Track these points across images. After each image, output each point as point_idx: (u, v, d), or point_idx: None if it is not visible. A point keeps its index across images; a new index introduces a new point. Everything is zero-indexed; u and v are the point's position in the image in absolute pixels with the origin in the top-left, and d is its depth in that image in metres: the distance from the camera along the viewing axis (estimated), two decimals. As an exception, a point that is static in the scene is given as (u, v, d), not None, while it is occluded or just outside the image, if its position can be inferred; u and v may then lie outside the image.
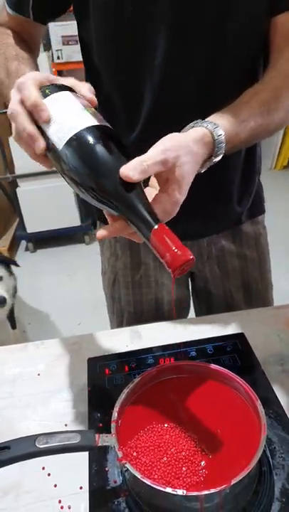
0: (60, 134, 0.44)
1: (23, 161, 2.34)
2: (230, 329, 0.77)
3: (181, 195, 0.45)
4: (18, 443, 0.46)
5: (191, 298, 0.96)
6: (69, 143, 0.43)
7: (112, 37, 0.63)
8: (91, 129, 0.43)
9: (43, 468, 0.55)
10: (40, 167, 0.50)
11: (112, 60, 0.66)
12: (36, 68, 0.64)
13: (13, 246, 2.82)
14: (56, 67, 2.51)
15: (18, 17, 0.66)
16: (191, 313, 0.99)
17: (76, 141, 0.43)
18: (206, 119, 0.52)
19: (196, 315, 0.97)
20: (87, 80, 0.75)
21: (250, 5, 0.60)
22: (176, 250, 0.39)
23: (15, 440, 0.47)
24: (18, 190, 2.52)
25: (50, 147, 0.45)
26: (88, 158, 0.42)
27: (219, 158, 0.52)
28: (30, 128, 0.45)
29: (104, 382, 0.66)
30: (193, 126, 0.51)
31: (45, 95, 0.46)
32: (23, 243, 2.87)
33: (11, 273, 1.59)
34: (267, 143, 3.40)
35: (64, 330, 2.07)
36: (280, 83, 0.59)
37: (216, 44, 0.61)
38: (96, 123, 0.44)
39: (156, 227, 0.40)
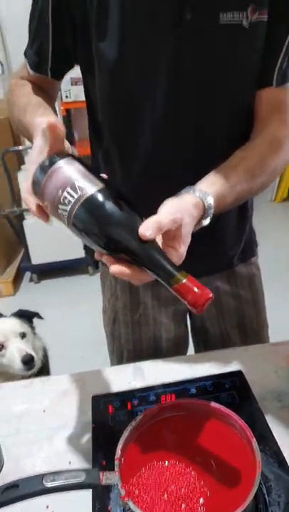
0: (69, 202, 0.49)
1: (29, 196, 2.44)
2: (229, 366, 0.79)
3: (185, 250, 0.51)
4: (27, 481, 0.49)
5: (190, 335, 0.99)
6: (82, 207, 0.48)
7: (114, 99, 0.69)
8: (98, 193, 0.48)
9: (47, 506, 0.56)
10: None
11: (113, 119, 0.72)
12: (50, 106, 0.70)
13: (18, 277, 2.87)
14: (64, 106, 2.72)
15: (37, 75, 0.75)
16: (190, 350, 1.01)
17: (89, 206, 0.48)
18: (198, 187, 0.58)
19: (195, 352, 1.00)
20: (90, 132, 0.82)
21: (240, 75, 0.67)
22: (196, 291, 0.44)
23: (23, 479, 0.49)
24: (24, 222, 2.60)
25: (63, 214, 0.50)
26: (107, 221, 0.47)
27: (208, 222, 0.57)
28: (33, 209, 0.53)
29: (108, 419, 0.68)
30: (185, 192, 0.57)
31: (51, 163, 0.52)
32: (28, 274, 2.92)
33: (33, 329, 1.42)
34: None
35: (66, 362, 2.06)
36: (264, 151, 0.66)
37: (208, 110, 0.68)
38: (97, 186, 0.49)
39: (175, 276, 0.45)
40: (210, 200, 0.56)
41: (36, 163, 0.52)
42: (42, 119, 0.53)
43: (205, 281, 0.87)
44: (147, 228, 0.46)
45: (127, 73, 0.66)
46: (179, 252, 0.50)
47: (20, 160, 2.74)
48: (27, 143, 2.51)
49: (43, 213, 0.53)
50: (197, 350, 0.99)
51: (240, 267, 0.88)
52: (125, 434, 0.56)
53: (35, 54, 0.72)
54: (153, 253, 0.47)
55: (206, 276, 0.87)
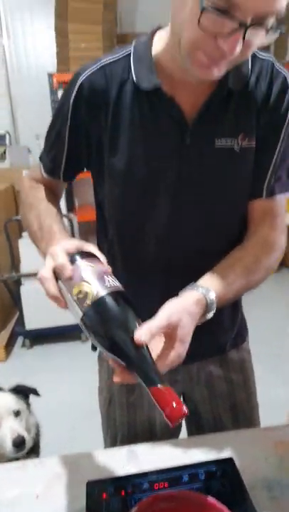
0: (81, 299, 0.55)
1: (29, 262, 2.54)
2: (220, 451, 0.81)
3: (184, 349, 0.57)
4: None
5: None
6: (91, 308, 0.55)
7: (120, 206, 0.79)
8: (107, 296, 0.55)
9: None
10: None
11: (118, 222, 0.81)
12: (61, 218, 0.79)
13: (10, 341, 2.85)
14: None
15: (50, 179, 0.84)
16: (183, 431, 1.03)
17: (96, 308, 0.54)
18: (200, 283, 0.66)
19: (188, 434, 1.01)
20: (97, 220, 0.90)
21: (234, 191, 0.77)
22: (173, 406, 0.48)
23: None
24: (21, 288, 2.65)
25: (74, 308, 0.56)
26: (106, 323, 0.54)
27: (211, 315, 0.64)
28: (54, 292, 0.58)
29: (102, 507, 0.68)
30: (189, 289, 0.64)
31: (71, 261, 0.59)
32: (20, 339, 2.90)
33: (29, 406, 1.35)
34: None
35: (58, 431, 2.01)
36: (258, 251, 0.75)
37: (207, 221, 0.78)
38: (108, 289, 0.56)
39: (158, 386, 0.50)
40: (212, 296, 0.63)
41: (60, 255, 0.59)
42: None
43: (199, 365, 0.92)
44: (141, 334, 0.52)
45: (133, 185, 0.76)
46: (178, 351, 0.55)
47: (21, 228, 2.86)
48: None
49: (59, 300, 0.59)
50: (190, 432, 1.01)
51: (232, 352, 0.93)
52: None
53: (51, 161, 0.82)
54: (141, 361, 0.52)
55: (200, 361, 0.91)
